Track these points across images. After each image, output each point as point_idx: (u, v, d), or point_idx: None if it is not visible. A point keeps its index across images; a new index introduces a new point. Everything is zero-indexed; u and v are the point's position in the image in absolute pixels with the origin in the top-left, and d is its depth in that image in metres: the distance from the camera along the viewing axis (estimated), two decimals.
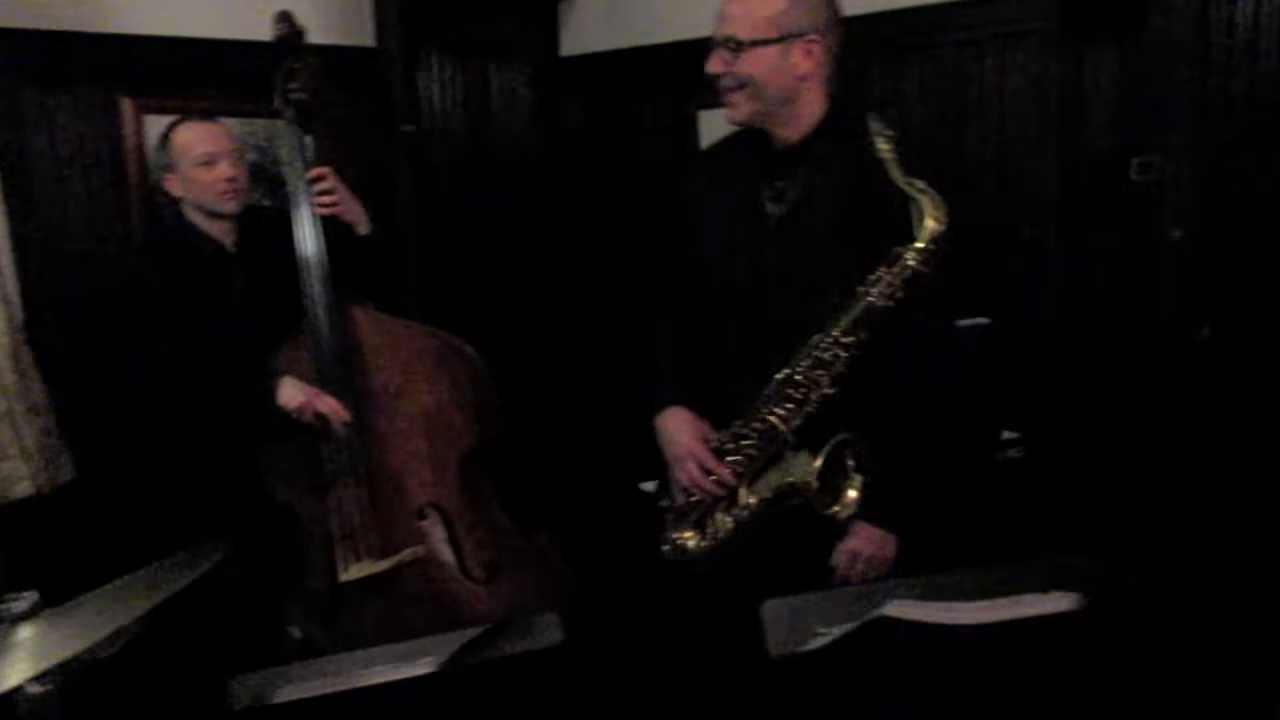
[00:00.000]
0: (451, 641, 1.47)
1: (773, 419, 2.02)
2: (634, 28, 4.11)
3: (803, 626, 1.45)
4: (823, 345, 1.96)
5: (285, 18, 2.61)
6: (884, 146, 1.91)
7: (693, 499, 2.13)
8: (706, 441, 2.10)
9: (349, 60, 3.36)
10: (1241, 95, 3.19)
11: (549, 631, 1.52)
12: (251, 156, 3.25)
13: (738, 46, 1.97)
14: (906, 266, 1.90)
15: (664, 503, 2.21)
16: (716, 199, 2.14)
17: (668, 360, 2.23)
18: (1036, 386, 3.19)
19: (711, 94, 2.06)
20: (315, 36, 2.72)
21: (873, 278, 1.92)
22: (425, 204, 3.30)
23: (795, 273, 2.03)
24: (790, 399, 2.00)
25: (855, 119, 1.98)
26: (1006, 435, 2.96)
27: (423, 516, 2.54)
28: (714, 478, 2.07)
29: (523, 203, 3.96)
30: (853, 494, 2.02)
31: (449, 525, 2.54)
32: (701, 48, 2.05)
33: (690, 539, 2.13)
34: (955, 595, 1.43)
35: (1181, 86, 3.38)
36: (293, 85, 2.56)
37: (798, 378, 1.99)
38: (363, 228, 2.60)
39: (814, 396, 1.99)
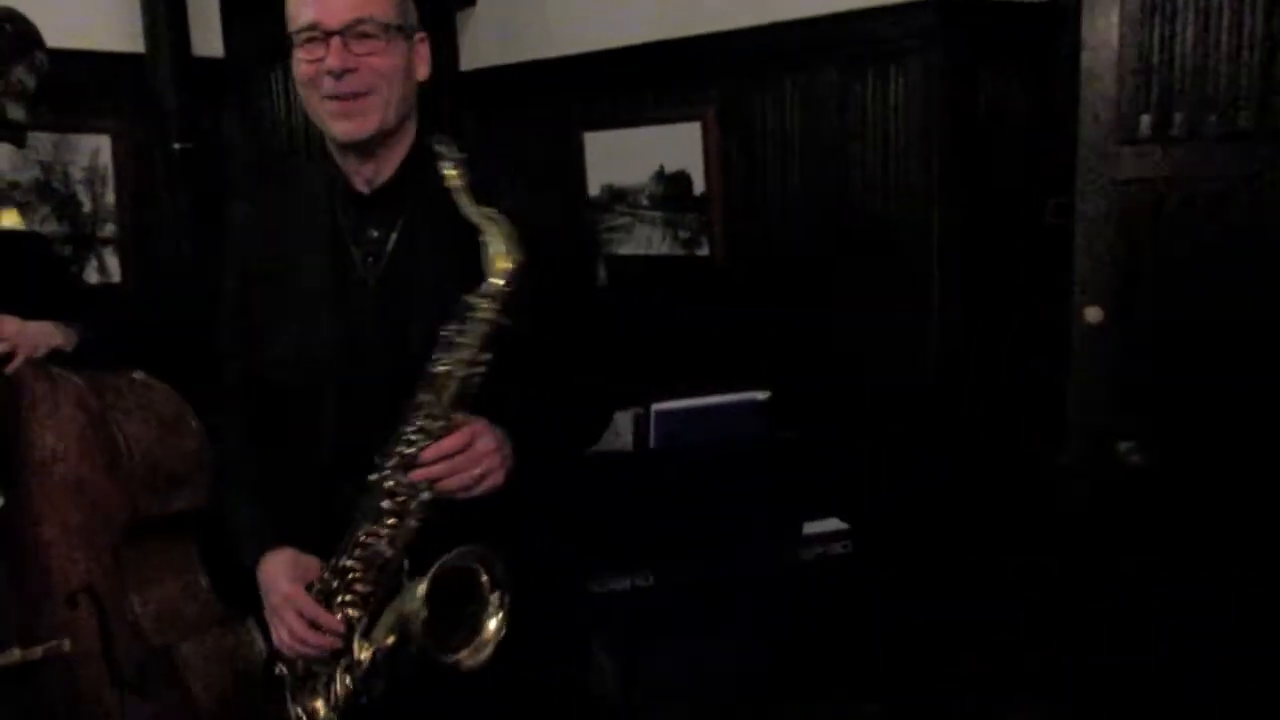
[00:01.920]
0: None
1: (373, 539, 1.55)
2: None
3: None
4: (410, 437, 1.50)
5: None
6: (451, 173, 1.49)
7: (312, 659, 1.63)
8: (309, 586, 1.60)
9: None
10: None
11: None
12: (33, 173, 2.99)
13: (374, 32, 1.50)
14: (481, 320, 1.46)
15: (279, 670, 1.69)
16: (286, 256, 1.65)
17: (250, 481, 1.73)
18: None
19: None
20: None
21: (447, 338, 1.48)
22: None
23: (398, 346, 1.60)
24: (389, 511, 1.55)
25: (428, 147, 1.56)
26: None
27: (73, 604, 2.20)
28: (323, 629, 1.57)
29: None
30: (493, 625, 1.59)
31: (102, 617, 2.18)
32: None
33: (320, 709, 1.64)
34: None
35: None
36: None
37: (389, 484, 1.55)
38: (65, 346, 2.21)
39: (413, 505, 1.54)
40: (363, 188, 1.61)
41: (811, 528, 2.40)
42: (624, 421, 2.14)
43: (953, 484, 2.88)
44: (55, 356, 2.19)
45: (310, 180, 1.68)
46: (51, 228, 2.97)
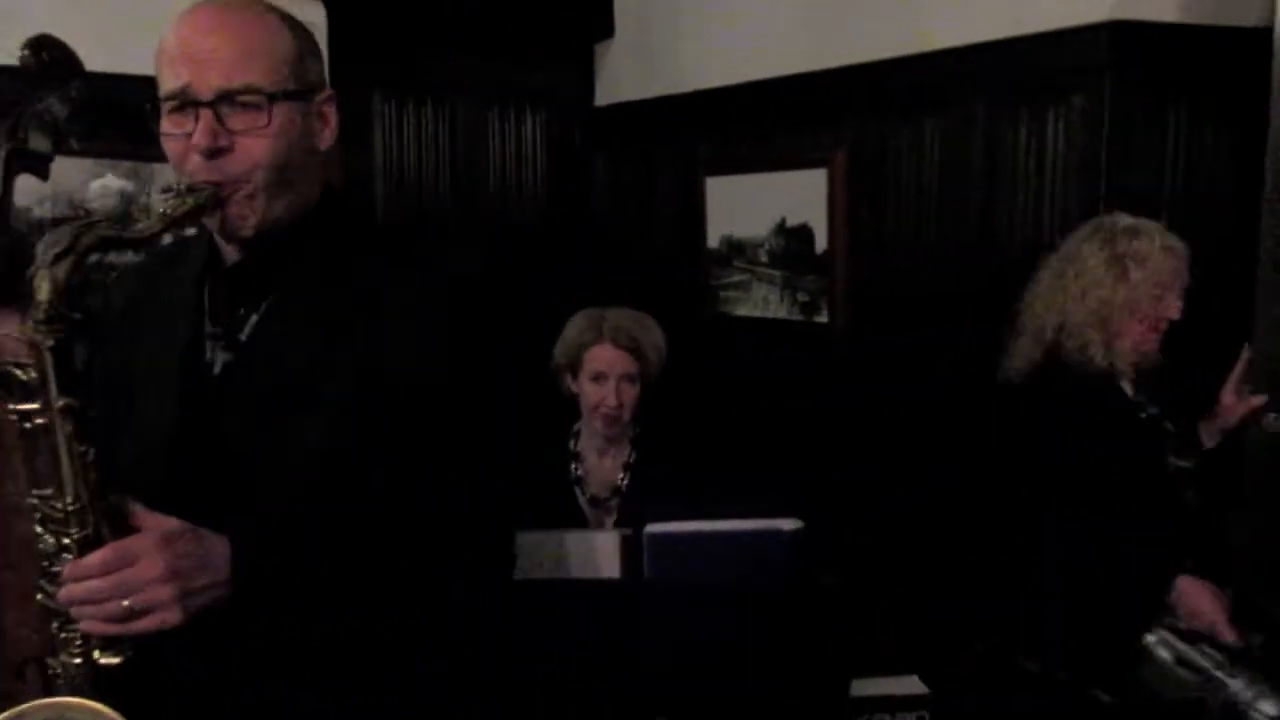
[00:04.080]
0: None
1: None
2: None
3: None
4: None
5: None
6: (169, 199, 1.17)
7: None
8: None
9: None
10: None
11: None
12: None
13: (256, 103, 1.19)
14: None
15: None
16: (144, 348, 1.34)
17: None
18: None
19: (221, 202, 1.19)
20: None
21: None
22: None
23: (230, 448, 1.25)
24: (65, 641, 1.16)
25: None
26: None
27: (21, 676, 1.99)
28: None
29: None
30: None
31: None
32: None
33: None
34: None
35: None
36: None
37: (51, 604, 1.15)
38: None
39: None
40: (229, 253, 1.28)
41: (880, 687, 1.88)
42: (608, 545, 1.71)
43: None
44: None
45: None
46: None
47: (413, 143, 3.45)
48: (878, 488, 2.71)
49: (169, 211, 1.14)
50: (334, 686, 1.21)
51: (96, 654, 1.12)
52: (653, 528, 1.69)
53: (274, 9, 1.26)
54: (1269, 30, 2.24)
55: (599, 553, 1.71)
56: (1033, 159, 2.36)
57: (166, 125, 1.20)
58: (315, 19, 2.99)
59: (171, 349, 1.28)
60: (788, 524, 1.67)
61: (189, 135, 1.17)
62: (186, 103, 1.17)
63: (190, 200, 1.16)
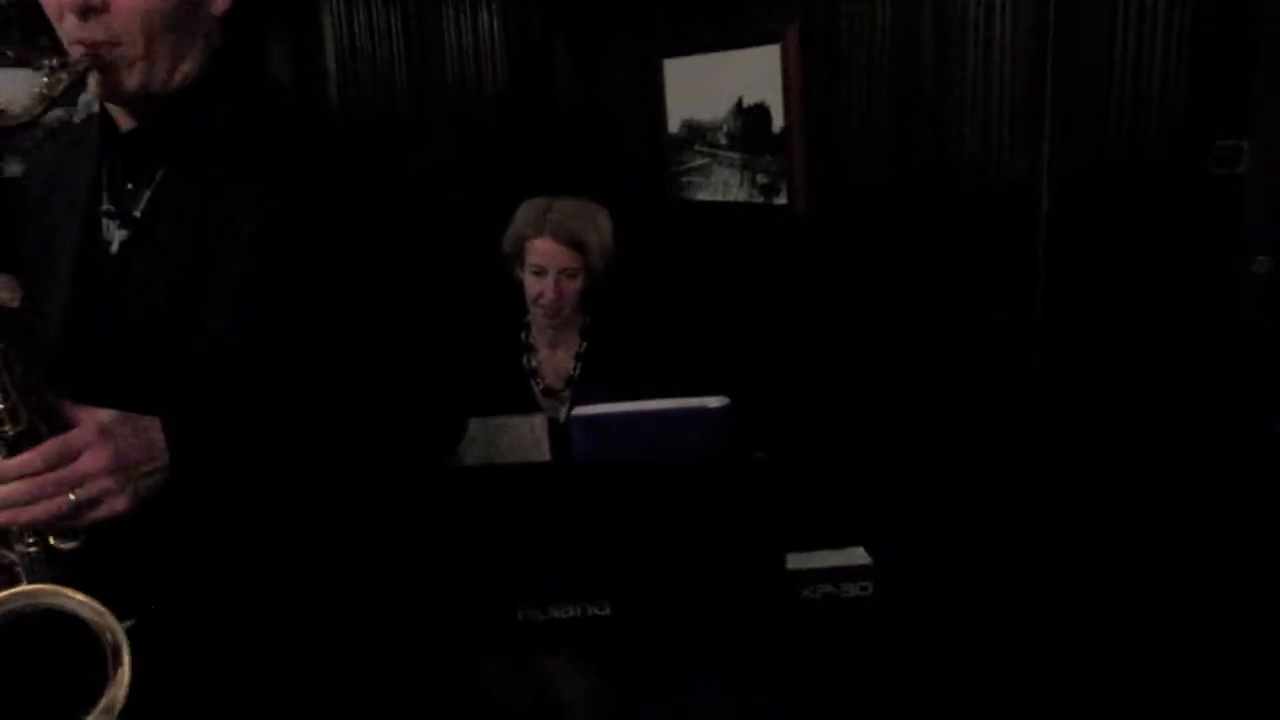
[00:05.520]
0: None
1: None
2: None
3: None
4: None
5: None
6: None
7: None
8: None
9: None
10: None
11: None
12: None
13: None
14: None
15: None
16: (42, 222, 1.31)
17: None
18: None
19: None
20: None
21: None
22: None
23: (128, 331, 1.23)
24: None
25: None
26: None
27: None
28: None
29: None
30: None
31: None
32: None
33: None
34: None
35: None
36: None
37: None
38: None
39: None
40: (124, 123, 1.24)
41: (823, 560, 1.91)
42: (537, 428, 1.72)
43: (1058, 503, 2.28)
44: None
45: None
46: None
47: (365, 37, 3.38)
48: (835, 368, 2.72)
49: (45, 91, 1.10)
50: (278, 568, 1.21)
51: (52, 540, 1.10)
52: (579, 410, 1.71)
53: None
54: None
55: (527, 438, 1.73)
56: (981, 31, 2.29)
57: None
58: None
59: (71, 226, 1.25)
60: (715, 401, 1.68)
61: None
62: None
63: (65, 75, 1.11)
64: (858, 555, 1.97)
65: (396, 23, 3.40)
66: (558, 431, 1.70)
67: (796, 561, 1.84)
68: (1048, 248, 2.26)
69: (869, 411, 2.60)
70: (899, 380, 2.56)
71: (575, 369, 2.35)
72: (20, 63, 2.77)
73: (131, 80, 1.16)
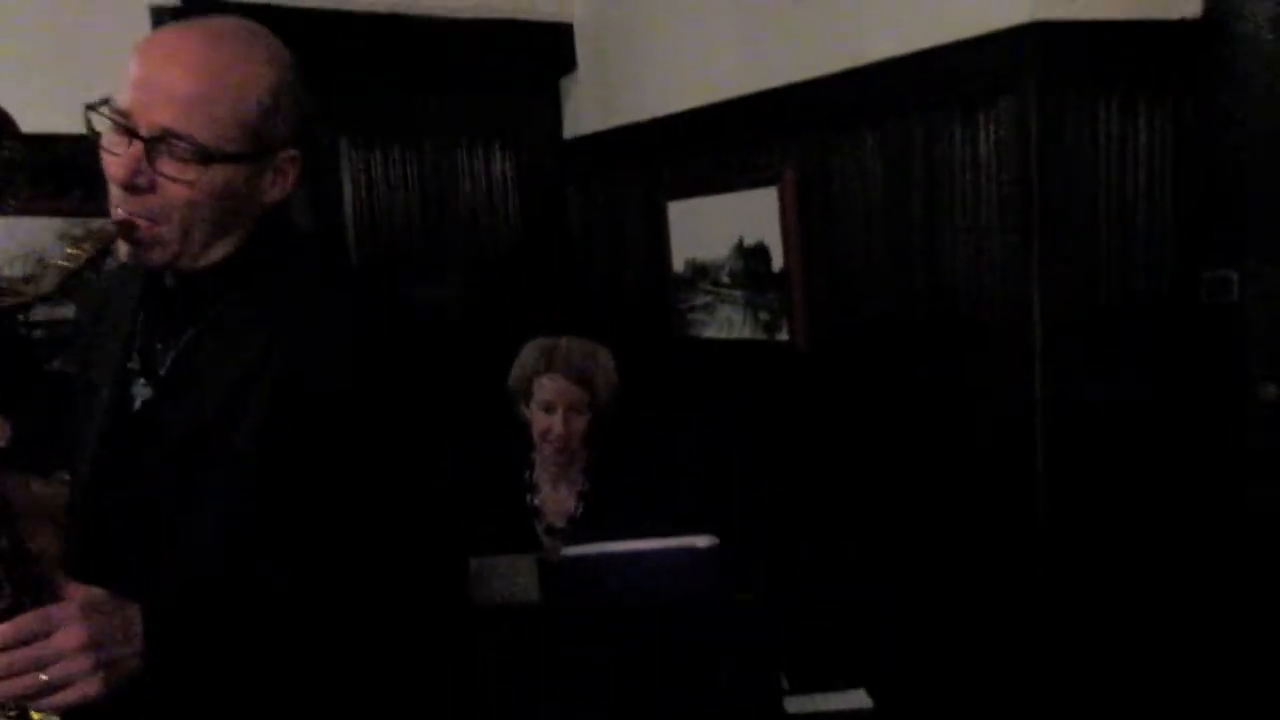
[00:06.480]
0: None
1: None
2: None
3: None
4: None
5: None
6: (73, 251, 1.13)
7: None
8: None
9: None
10: None
11: None
12: None
13: (187, 156, 1.12)
14: None
15: None
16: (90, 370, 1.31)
17: None
18: None
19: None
20: None
21: None
22: None
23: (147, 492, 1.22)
24: None
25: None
26: None
27: None
28: None
29: None
30: None
31: None
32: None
33: None
34: None
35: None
36: None
37: None
38: None
39: None
40: (169, 278, 1.24)
41: (824, 703, 1.87)
42: (524, 570, 1.72)
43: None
44: None
45: None
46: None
47: (382, 185, 3.50)
48: (838, 501, 2.71)
49: (67, 264, 1.12)
50: None
51: (33, 714, 1.08)
52: (567, 551, 1.71)
53: (262, 41, 1.19)
54: (1195, 22, 2.25)
55: (517, 579, 1.73)
56: (969, 169, 2.36)
57: (105, 137, 1.15)
58: None
59: (105, 376, 1.26)
60: (703, 540, 1.68)
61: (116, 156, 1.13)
62: (124, 128, 1.12)
63: (88, 247, 1.13)
64: (858, 698, 1.94)
65: (413, 170, 3.53)
66: (553, 572, 1.70)
67: (796, 705, 1.81)
68: (1044, 382, 2.27)
69: (872, 543, 2.57)
70: (900, 511, 2.54)
71: (578, 508, 2.35)
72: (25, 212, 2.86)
73: (158, 257, 1.17)
